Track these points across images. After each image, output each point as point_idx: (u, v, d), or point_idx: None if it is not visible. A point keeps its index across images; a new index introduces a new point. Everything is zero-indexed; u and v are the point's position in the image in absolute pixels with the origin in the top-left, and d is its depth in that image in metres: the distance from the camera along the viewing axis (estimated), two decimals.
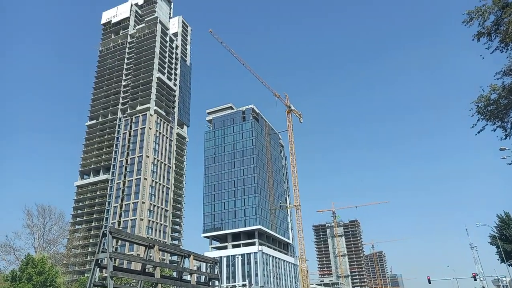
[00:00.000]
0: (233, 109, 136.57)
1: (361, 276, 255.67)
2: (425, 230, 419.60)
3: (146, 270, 12.74)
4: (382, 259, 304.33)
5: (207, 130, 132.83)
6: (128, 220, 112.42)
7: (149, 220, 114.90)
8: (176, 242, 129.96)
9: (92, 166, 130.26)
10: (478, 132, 14.10)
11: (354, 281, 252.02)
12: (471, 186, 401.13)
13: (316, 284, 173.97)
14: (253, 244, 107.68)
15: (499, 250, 55.44)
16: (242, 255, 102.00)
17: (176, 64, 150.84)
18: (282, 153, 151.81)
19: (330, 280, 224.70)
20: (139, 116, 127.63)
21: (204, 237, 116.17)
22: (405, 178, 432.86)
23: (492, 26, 13.75)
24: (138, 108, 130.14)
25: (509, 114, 13.67)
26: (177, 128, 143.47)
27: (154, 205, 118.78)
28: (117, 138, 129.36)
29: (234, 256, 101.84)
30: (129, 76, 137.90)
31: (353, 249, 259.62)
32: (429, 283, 58.15)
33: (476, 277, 60.65)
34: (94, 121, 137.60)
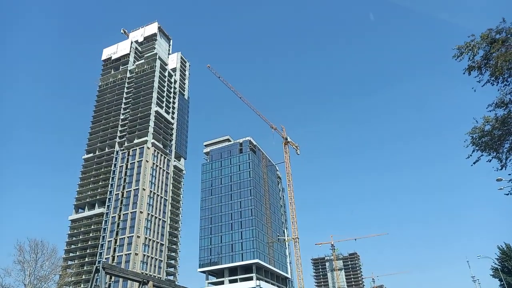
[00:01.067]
0: (230, 141, 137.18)
1: None
2: (426, 262, 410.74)
3: None
4: None
5: (204, 162, 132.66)
6: (122, 255, 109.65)
7: (144, 255, 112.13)
8: (171, 277, 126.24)
9: (87, 200, 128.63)
10: (474, 163, 14.21)
11: None
12: (470, 217, 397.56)
13: None
14: (250, 279, 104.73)
15: (502, 283, 54.20)
16: None
17: (174, 98, 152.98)
18: (280, 185, 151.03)
19: None
20: (136, 149, 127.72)
21: (200, 272, 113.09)
22: (404, 210, 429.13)
23: (482, 60, 14.21)
24: (136, 141, 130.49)
25: (503, 145, 13.85)
26: (174, 161, 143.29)
27: (150, 239, 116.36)
28: (114, 171, 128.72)
29: None
30: (128, 110, 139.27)
31: (353, 283, 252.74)
32: None
33: None
34: (91, 155, 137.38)
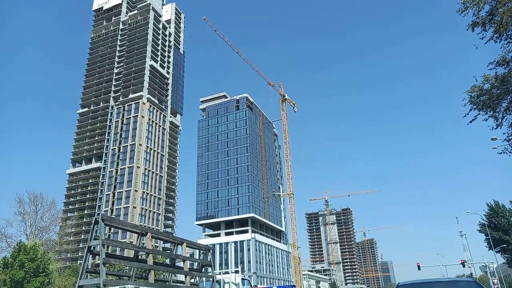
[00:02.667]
0: (227, 97, 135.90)
1: (352, 263, 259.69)
2: (416, 218, 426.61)
3: (139, 257, 12.77)
4: (373, 246, 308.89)
5: (201, 119, 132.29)
6: (120, 208, 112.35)
7: (142, 208, 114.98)
8: (169, 229, 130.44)
9: (84, 154, 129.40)
10: (470, 122, 14.20)
11: (346, 267, 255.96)
12: (462, 176, 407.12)
13: (308, 271, 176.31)
14: (246, 231, 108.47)
15: (487, 237, 56.46)
16: (235, 242, 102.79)
17: (169, 51, 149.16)
18: (276, 142, 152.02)
19: (321, 267, 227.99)
20: (131, 104, 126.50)
21: (197, 224, 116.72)
22: (398, 168, 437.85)
23: (486, 16, 13.73)
24: (131, 96, 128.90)
25: (501, 104, 13.78)
26: (170, 117, 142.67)
27: (147, 193, 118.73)
28: (109, 126, 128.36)
29: (227, 243, 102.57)
30: (121, 64, 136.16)
31: (344, 236, 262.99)
32: (419, 269, 59.28)
33: (465, 263, 61.89)
34: (86, 109, 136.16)
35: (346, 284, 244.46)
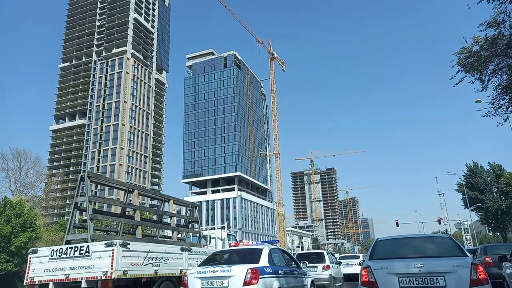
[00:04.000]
0: (214, 54, 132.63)
1: (335, 220, 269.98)
2: (398, 178, 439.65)
3: (126, 214, 12.92)
4: (355, 204, 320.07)
5: (187, 77, 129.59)
6: (106, 165, 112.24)
7: (129, 166, 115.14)
8: (156, 187, 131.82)
9: (68, 111, 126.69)
10: (457, 84, 14.19)
11: (328, 224, 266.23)
12: (444, 139, 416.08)
13: (292, 227, 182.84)
14: (232, 190, 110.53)
15: (464, 197, 59.06)
16: (222, 200, 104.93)
17: (154, 4, 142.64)
18: (264, 102, 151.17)
19: (305, 224, 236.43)
20: (115, 59, 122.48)
21: (184, 182, 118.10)
22: (383, 129, 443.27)
23: None
24: (114, 51, 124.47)
25: (488, 66, 13.74)
26: (156, 73, 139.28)
27: (133, 151, 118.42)
28: (93, 82, 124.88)
29: (213, 201, 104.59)
30: (104, 16, 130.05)
31: (328, 195, 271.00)
32: (397, 226, 62.04)
33: (441, 221, 65.09)
34: (67, 64, 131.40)
35: (327, 239, 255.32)
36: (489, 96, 14.61)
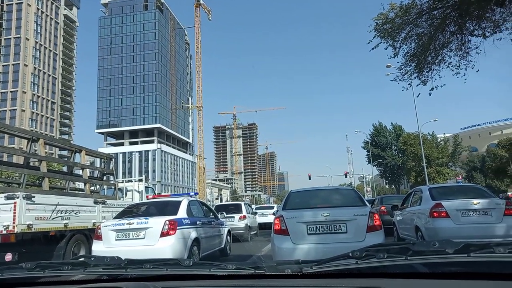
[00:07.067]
0: None
1: (253, 173, 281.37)
2: (313, 134, 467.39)
3: (31, 165, 11.76)
4: (273, 158, 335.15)
5: (102, 16, 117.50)
6: (6, 110, 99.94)
7: (33, 112, 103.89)
8: (66, 136, 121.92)
9: None
10: (372, 49, 14.95)
11: (247, 177, 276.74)
12: (360, 101, 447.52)
13: (212, 180, 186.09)
14: (152, 142, 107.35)
15: (368, 153, 65.54)
16: (140, 152, 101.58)
17: None
18: (187, 51, 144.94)
19: (225, 176, 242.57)
20: None
21: (99, 133, 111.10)
22: (302, 87, 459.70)
23: None
24: None
25: (400, 33, 14.65)
26: (65, 9, 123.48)
27: (38, 96, 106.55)
28: None
29: (131, 152, 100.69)
30: None
31: (248, 149, 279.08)
32: (309, 179, 66.68)
33: (347, 175, 71.89)
34: None
35: (246, 191, 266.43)
36: (398, 62, 15.77)
